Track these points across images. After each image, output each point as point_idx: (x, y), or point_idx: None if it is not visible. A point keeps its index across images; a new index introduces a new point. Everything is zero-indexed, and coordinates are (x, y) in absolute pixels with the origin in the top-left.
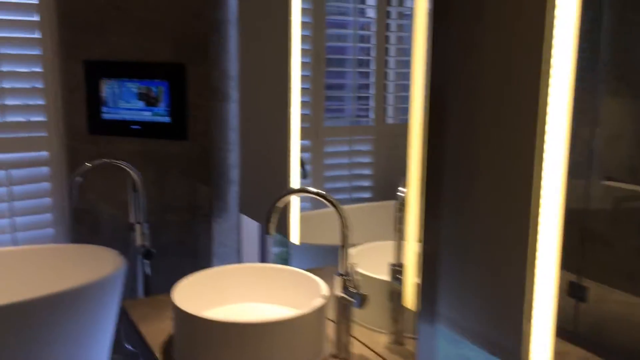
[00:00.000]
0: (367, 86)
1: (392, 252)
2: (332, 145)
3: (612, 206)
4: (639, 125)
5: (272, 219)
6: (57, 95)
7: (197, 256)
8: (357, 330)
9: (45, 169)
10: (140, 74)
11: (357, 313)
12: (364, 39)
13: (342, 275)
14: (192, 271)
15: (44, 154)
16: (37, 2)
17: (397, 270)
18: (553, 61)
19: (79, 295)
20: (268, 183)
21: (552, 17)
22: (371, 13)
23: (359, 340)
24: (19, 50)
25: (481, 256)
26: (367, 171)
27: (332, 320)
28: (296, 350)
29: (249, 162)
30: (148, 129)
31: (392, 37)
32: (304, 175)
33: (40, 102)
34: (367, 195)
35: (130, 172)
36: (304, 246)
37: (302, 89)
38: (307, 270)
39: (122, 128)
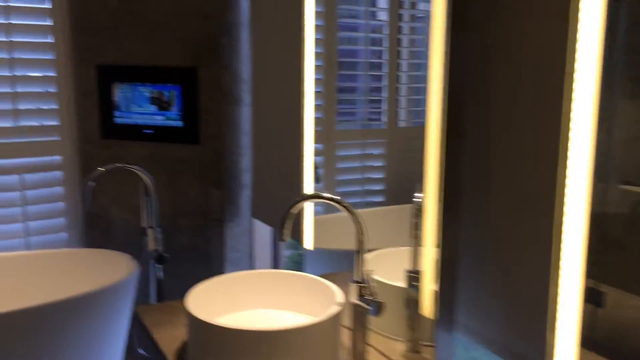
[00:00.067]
0: (379, 89)
1: (407, 258)
2: (344, 148)
3: (630, 210)
4: None
5: (286, 225)
6: (70, 99)
7: (210, 261)
8: (372, 338)
9: (58, 174)
10: (152, 78)
11: (372, 320)
12: (375, 41)
13: (358, 282)
14: (204, 276)
15: (57, 158)
16: (50, 7)
17: (413, 277)
18: (577, 64)
19: (92, 300)
20: (280, 187)
21: (576, 18)
22: (383, 16)
23: (375, 348)
24: (32, 55)
25: (502, 262)
26: (379, 175)
27: (347, 328)
28: (311, 358)
29: (261, 166)
30: (160, 133)
31: (405, 40)
32: (316, 179)
33: (54, 106)
34: (379, 199)
35: (143, 176)
36: (317, 250)
37: (315, 92)
38: (321, 275)
39: (135, 132)
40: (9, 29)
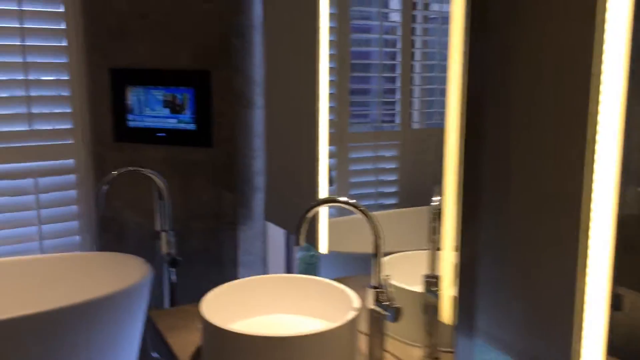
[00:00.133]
0: (392, 91)
1: (423, 262)
2: (357, 151)
3: None
4: None
5: (302, 230)
6: (84, 103)
7: (222, 264)
8: (390, 344)
9: (71, 177)
10: (165, 81)
11: (389, 325)
12: (388, 43)
13: (375, 287)
14: (217, 279)
15: (71, 161)
16: (63, 11)
17: (431, 282)
18: (604, 66)
19: (106, 303)
20: (294, 190)
21: (603, 18)
22: (396, 17)
23: (392, 354)
24: (45, 59)
25: (524, 267)
26: (392, 177)
27: (364, 334)
28: None
29: (274, 169)
30: (173, 136)
31: (418, 41)
32: (330, 181)
33: (67, 110)
34: (392, 201)
35: (156, 179)
36: (330, 254)
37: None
38: (336, 279)
39: (148, 135)
40: (23, 33)
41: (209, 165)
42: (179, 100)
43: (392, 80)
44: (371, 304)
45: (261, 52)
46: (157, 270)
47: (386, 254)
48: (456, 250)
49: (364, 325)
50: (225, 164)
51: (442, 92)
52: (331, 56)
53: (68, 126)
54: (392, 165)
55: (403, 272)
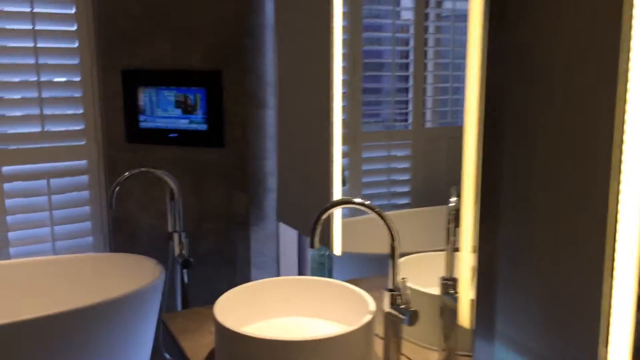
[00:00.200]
0: (405, 90)
1: (438, 264)
2: (369, 150)
3: None
4: None
5: (317, 232)
6: (96, 104)
7: (235, 265)
8: (406, 347)
9: (84, 178)
10: (177, 82)
11: (406, 329)
12: (401, 41)
13: (391, 290)
14: (229, 280)
15: (83, 162)
16: (74, 12)
17: (449, 284)
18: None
19: (118, 305)
20: (306, 190)
21: (630, 15)
22: (408, 15)
23: (409, 358)
24: (57, 60)
25: (546, 268)
26: (405, 176)
27: (380, 337)
28: None
29: (287, 169)
30: (185, 137)
31: (431, 39)
32: (343, 181)
33: (79, 111)
34: (405, 201)
35: (168, 180)
36: (343, 254)
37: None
38: (350, 280)
39: (160, 136)
40: (35, 34)
41: (221, 166)
42: (191, 101)
43: (405, 79)
44: (387, 307)
45: (273, 52)
46: (169, 272)
47: (400, 255)
48: (474, 251)
49: (379, 329)
50: (237, 165)
51: (455, 91)
52: (343, 55)
53: (80, 127)
54: (405, 165)
55: (418, 274)
